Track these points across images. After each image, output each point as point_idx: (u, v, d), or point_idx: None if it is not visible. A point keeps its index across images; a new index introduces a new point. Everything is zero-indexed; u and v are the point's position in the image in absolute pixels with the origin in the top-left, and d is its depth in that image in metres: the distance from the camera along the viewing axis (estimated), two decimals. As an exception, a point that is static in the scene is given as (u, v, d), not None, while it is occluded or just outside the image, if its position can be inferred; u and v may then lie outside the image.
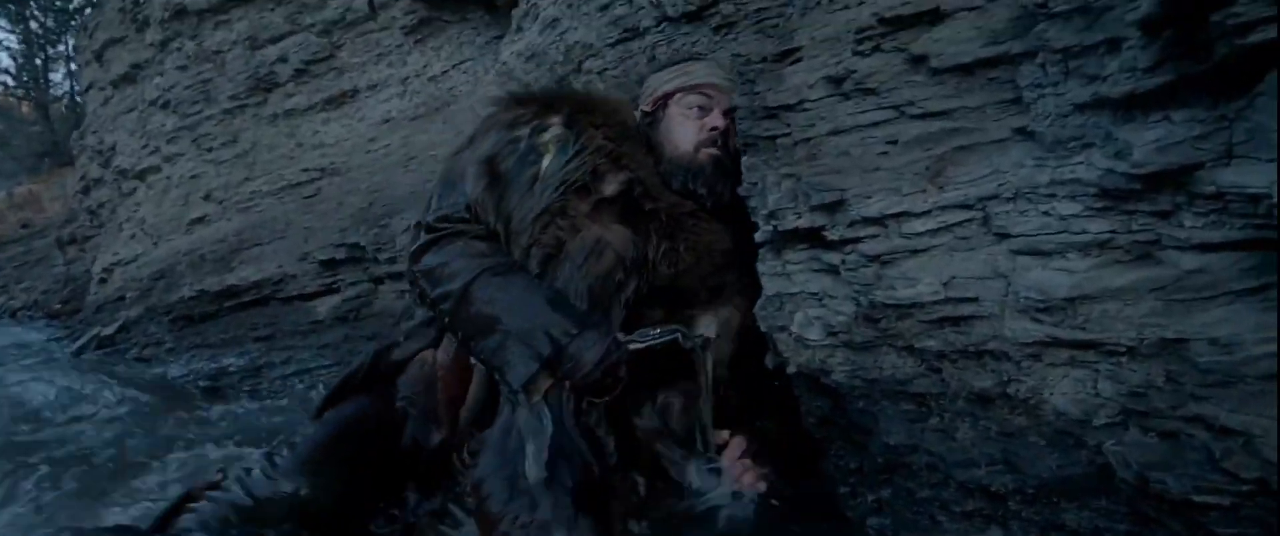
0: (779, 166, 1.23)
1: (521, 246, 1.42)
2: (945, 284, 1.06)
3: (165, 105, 4.30)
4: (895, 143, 1.13)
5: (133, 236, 4.85)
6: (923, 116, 1.11)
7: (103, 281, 5.11)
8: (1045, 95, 0.98)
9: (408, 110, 3.96)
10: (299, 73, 4.04)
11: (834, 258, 1.19)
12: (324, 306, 2.81)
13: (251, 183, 4.06)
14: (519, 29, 2.94)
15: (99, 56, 4.71)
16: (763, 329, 1.33)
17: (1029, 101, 1.00)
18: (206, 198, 4.20)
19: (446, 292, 1.39)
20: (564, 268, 1.40)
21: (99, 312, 4.66)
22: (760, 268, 1.33)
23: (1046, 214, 0.96)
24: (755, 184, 1.29)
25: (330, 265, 2.81)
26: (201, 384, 2.98)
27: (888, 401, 1.17)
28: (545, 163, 1.44)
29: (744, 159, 1.32)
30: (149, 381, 2.99)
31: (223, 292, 3.17)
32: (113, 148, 4.77)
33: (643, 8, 2.15)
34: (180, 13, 4.21)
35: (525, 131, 1.47)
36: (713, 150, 1.46)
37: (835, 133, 1.19)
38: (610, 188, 1.44)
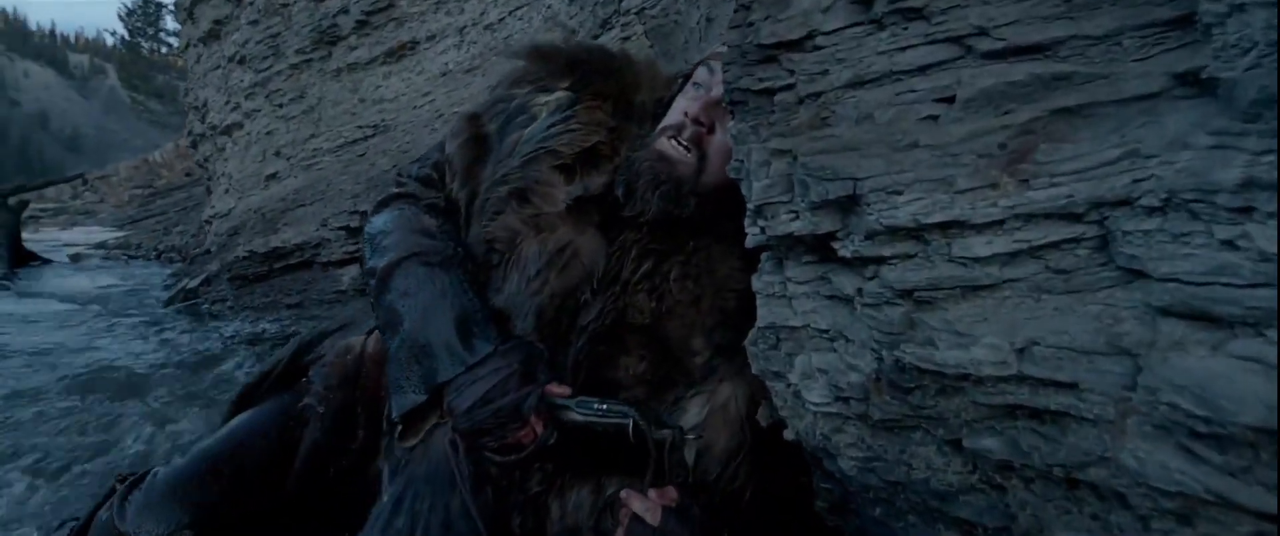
0: (767, 137, 0.80)
1: (476, 233, 1.12)
2: (1021, 351, 0.61)
3: (242, 61, 4.30)
4: (950, 101, 0.67)
5: (226, 191, 4.99)
6: (1001, 54, 0.64)
7: (204, 235, 5.35)
8: (1248, 3, 0.49)
9: (464, 62, 3.70)
10: (360, 25, 3.87)
11: (847, 282, 0.76)
12: (348, 275, 2.64)
13: (316, 139, 3.98)
14: (560, -34, 2.55)
15: (191, 13, 4.79)
16: (754, 369, 0.92)
17: (1209, 20, 0.52)
18: (278, 154, 4.18)
19: (373, 268, 1.10)
20: (513, 277, 1.06)
21: (192, 264, 4.85)
22: (756, 283, 0.91)
23: (1231, 245, 0.49)
24: (742, 161, 0.86)
25: (353, 232, 2.62)
26: (242, 348, 2.92)
27: (918, 518, 0.74)
28: (531, 128, 1.12)
29: (732, 125, 0.89)
30: (193, 341, 2.96)
31: (269, 254, 3.09)
32: (205, 104, 4.88)
33: (672, -75, 1.71)
34: (252, -35, 4.16)
35: (525, 89, 1.15)
36: (668, 145, 1.03)
37: (857, 83, 0.74)
38: (598, 179, 1.09)
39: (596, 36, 2.76)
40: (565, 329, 1.05)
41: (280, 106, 4.17)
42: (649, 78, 1.20)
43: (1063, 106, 0.60)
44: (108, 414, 2.02)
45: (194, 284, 4.34)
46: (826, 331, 0.82)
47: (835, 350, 0.80)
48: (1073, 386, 0.57)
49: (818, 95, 0.77)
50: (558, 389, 0.96)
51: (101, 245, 11.25)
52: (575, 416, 0.94)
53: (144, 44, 32.08)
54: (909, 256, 0.68)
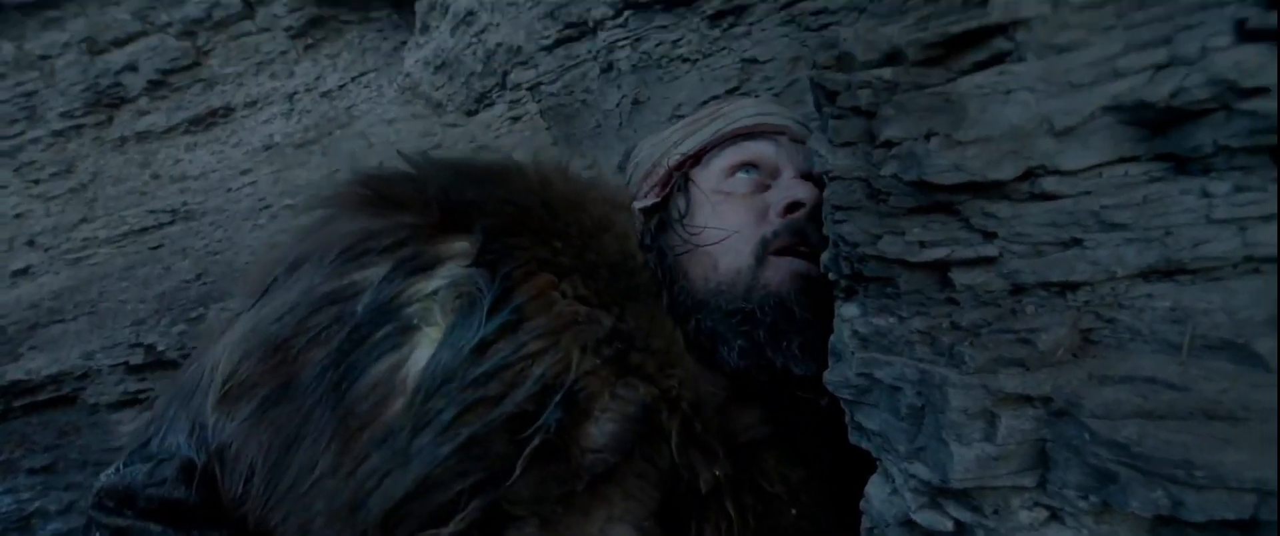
0: (978, 366, 0.43)
1: None
2: None
3: (-20, 124, 3.34)
4: None
5: (-44, 287, 3.83)
6: None
7: (-80, 342, 4.07)
8: None
9: (294, 133, 3.08)
10: (154, 85, 3.14)
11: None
12: (130, 423, 1.91)
13: (88, 226, 3.12)
14: (425, 27, 2.13)
15: (-92, 61, 3.71)
16: None
17: None
18: (31, 244, 3.24)
19: None
20: None
21: (-104, 389, 3.61)
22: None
23: None
24: (880, 389, 0.48)
25: (134, 369, 1.92)
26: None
27: None
28: (415, 355, 0.56)
29: (857, 317, 0.52)
30: None
31: (8, 389, 2.23)
32: (-75, 176, 3.76)
33: (595, -14, 1.36)
34: None
35: (380, 268, 0.58)
36: (794, 260, 0.65)
37: (1168, 270, 0.40)
38: (604, 428, 0.56)
39: (472, 114, 2.33)
40: None
41: (36, 182, 3.26)
42: (611, 203, 0.68)
43: None
44: None
45: (-108, 421, 3.18)
46: None
47: None
48: None
49: (1068, 288, 0.42)
50: None
51: None
52: None
53: None
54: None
